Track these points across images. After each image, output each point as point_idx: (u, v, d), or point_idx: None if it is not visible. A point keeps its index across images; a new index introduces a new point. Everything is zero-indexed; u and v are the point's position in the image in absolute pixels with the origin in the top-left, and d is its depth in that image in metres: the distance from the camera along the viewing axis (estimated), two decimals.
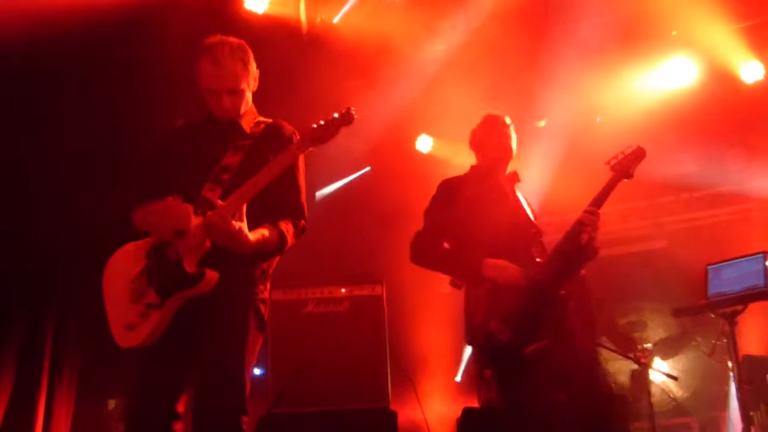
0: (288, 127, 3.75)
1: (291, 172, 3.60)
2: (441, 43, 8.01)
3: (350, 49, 7.56)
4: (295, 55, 7.62)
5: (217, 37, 3.65)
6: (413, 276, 7.47)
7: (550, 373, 3.95)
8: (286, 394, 5.65)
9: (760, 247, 6.45)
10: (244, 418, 3.38)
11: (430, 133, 9.25)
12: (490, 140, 4.53)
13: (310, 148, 3.41)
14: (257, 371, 6.04)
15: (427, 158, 9.19)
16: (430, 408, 6.40)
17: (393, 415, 5.57)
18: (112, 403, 6.82)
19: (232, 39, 3.65)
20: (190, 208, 3.30)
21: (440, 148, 9.18)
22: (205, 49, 3.59)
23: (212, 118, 3.71)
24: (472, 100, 8.32)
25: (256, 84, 3.75)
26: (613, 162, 4.25)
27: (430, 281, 8.98)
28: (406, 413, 5.77)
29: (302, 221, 3.62)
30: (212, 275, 3.28)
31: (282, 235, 3.47)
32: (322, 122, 3.37)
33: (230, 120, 3.67)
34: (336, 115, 3.38)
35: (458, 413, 5.86)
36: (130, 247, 3.45)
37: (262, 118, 3.79)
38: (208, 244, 3.30)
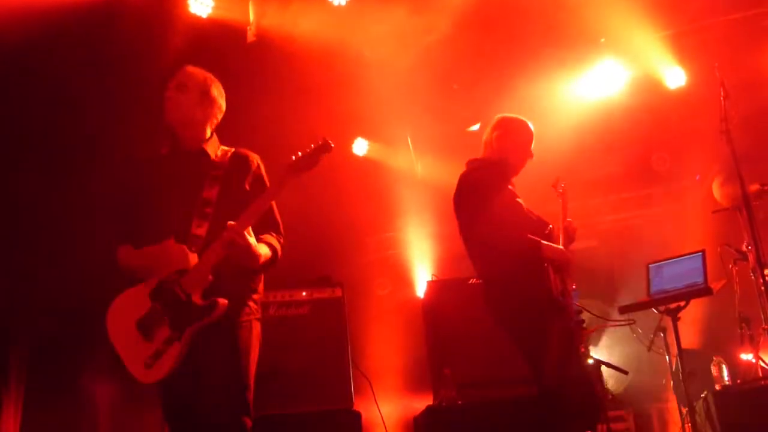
0: (252, 155, 4.01)
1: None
2: (380, 48, 8.10)
3: (293, 53, 7.58)
4: (237, 59, 7.60)
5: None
6: (353, 279, 7.57)
7: None
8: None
9: (687, 248, 6.76)
10: (247, 420, 3.61)
11: (365, 136, 9.34)
12: (526, 146, 4.90)
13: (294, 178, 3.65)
14: None
15: (363, 161, 9.26)
16: (382, 407, 6.48)
17: (357, 416, 5.65)
18: None
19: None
20: (184, 248, 3.56)
21: (375, 151, 9.28)
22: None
23: (176, 148, 3.88)
24: (407, 104, 8.48)
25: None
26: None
27: (368, 283, 9.12)
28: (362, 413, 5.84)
29: (282, 238, 3.93)
30: (223, 302, 3.54)
31: (275, 251, 3.81)
32: (300, 153, 3.64)
33: (197, 149, 3.85)
34: (313, 145, 3.65)
35: (409, 411, 5.99)
36: (130, 292, 3.66)
37: (224, 147, 3.98)
38: (210, 278, 3.54)
